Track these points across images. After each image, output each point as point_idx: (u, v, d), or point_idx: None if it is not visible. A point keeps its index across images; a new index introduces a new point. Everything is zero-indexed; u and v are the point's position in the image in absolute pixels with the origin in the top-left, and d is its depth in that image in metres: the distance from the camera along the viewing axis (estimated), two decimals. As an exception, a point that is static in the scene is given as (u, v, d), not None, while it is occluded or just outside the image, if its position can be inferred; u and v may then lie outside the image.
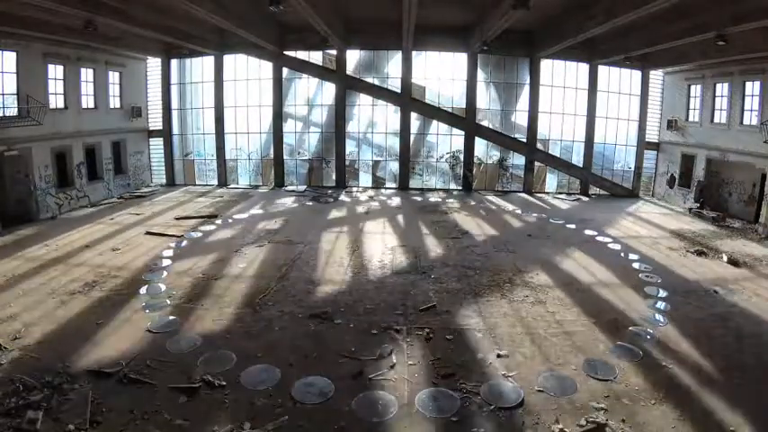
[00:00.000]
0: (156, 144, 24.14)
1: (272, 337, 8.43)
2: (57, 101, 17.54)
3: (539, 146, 23.68)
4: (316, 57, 23.13)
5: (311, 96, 23.91)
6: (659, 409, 6.46)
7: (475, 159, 23.94)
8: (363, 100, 23.59)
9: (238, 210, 18.66)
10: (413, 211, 19.16)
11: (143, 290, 10.38)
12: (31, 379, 6.77)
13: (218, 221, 16.72)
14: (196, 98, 24.07)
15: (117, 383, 6.83)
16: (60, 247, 13.28)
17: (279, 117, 23.36)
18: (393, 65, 23.36)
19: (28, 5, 12.48)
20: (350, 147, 24.15)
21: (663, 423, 6.19)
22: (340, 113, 23.17)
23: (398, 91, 22.96)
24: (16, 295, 9.84)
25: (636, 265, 12.68)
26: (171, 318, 9.03)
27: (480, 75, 23.26)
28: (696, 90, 20.89)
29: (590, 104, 23.20)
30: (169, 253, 12.99)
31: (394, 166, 24.39)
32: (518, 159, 24.12)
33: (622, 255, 13.79)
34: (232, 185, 24.17)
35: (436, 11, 18.13)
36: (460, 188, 24.01)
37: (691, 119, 21.33)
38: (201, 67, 23.49)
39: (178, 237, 14.59)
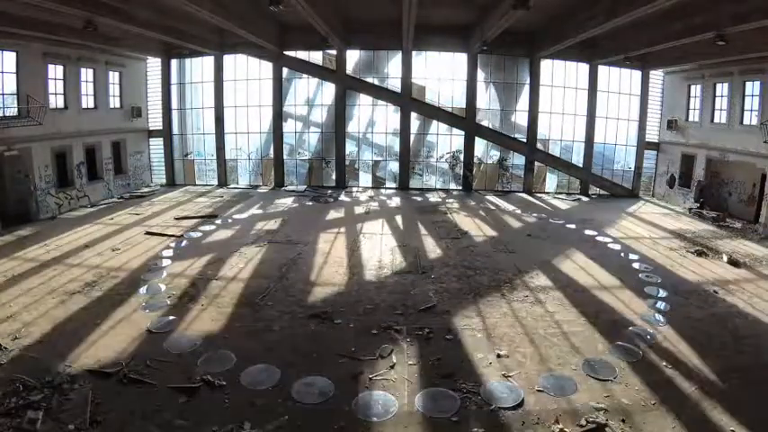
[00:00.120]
0: (156, 144, 24.14)
1: (272, 337, 8.43)
2: (57, 101, 17.55)
3: (539, 146, 23.69)
4: (316, 57, 23.14)
5: (311, 96, 23.92)
6: (659, 410, 6.46)
7: (475, 159, 23.94)
8: (363, 100, 23.59)
9: (238, 210, 18.66)
10: (413, 211, 19.16)
11: (143, 290, 10.39)
12: (31, 379, 6.77)
13: (218, 221, 16.72)
14: (196, 98, 24.07)
15: (117, 383, 6.83)
16: (60, 247, 13.28)
17: (279, 117, 23.36)
18: (393, 65, 23.37)
19: (28, 5, 12.49)
20: (350, 147, 24.16)
21: (663, 423, 6.19)
22: (340, 113, 23.17)
23: (398, 91, 22.96)
24: (16, 295, 9.84)
25: (636, 265, 12.69)
26: (171, 318, 9.02)
27: (480, 75, 23.27)
28: (696, 90, 20.89)
29: (590, 104, 23.20)
30: (169, 253, 13.00)
31: (394, 166, 24.39)
32: (518, 159, 24.12)
33: (622, 255, 13.80)
34: (232, 185, 24.17)
35: (436, 11, 18.15)
36: (460, 188, 24.01)
37: (691, 119, 21.33)
38: (201, 67, 23.49)
39: (178, 237, 14.59)
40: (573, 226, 17.03)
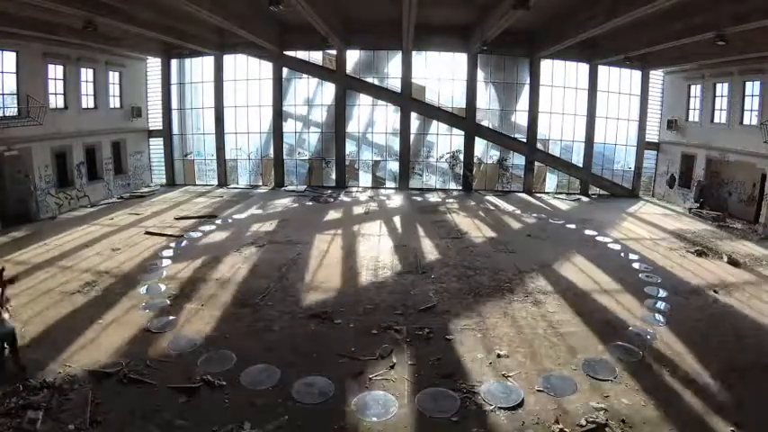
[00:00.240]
0: (156, 144, 24.14)
1: (272, 337, 8.44)
2: (57, 101, 17.55)
3: (539, 146, 23.68)
4: (316, 57, 23.14)
5: (311, 96, 23.91)
6: (659, 409, 6.45)
7: (475, 159, 23.94)
8: (363, 100, 23.59)
9: (238, 210, 18.66)
10: (413, 211, 19.16)
11: (142, 290, 10.39)
12: (31, 379, 6.77)
13: (218, 221, 16.72)
14: (196, 98, 24.07)
15: (117, 383, 6.83)
16: (60, 247, 13.28)
17: (279, 117, 23.36)
18: (393, 65, 23.36)
19: (28, 5, 12.48)
20: (350, 147, 24.15)
21: (662, 423, 6.19)
22: (340, 113, 23.17)
23: (398, 91, 22.96)
24: (16, 295, 9.81)
25: (636, 266, 12.69)
26: (170, 318, 9.02)
27: (480, 75, 23.27)
28: (696, 90, 20.90)
29: (590, 104, 23.20)
30: (169, 253, 13.00)
31: (394, 166, 24.39)
32: (518, 159, 24.12)
33: (622, 255, 13.80)
34: (232, 185, 24.17)
35: (436, 11, 18.16)
36: (460, 188, 24.01)
37: (691, 119, 21.34)
38: (201, 67, 23.49)
39: (178, 237, 14.59)
40: (573, 226, 17.03)
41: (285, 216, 17.76)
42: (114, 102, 21.05)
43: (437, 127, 23.90)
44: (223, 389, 6.78)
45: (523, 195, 23.17)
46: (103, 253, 12.83)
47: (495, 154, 24.42)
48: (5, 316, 7.14)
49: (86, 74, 19.06)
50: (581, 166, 23.75)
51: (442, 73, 23.41)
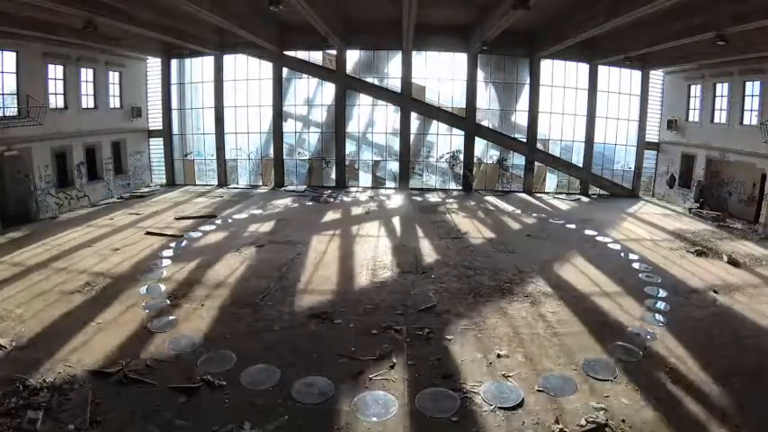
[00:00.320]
0: (156, 144, 24.14)
1: (272, 337, 8.44)
2: (57, 101, 17.55)
3: (539, 146, 23.69)
4: (316, 57, 23.14)
5: (311, 96, 23.91)
6: (659, 409, 6.45)
7: (475, 159, 23.95)
8: (363, 100, 23.59)
9: (238, 210, 18.66)
10: (413, 211, 19.16)
11: (142, 290, 10.38)
12: (31, 379, 6.77)
13: (218, 221, 16.72)
14: (196, 98, 24.07)
15: (117, 383, 6.83)
16: (60, 247, 13.28)
17: (279, 117, 23.36)
18: (393, 65, 23.37)
19: (28, 5, 12.48)
20: (350, 147, 24.15)
21: (663, 423, 6.19)
22: (340, 113, 23.17)
23: (398, 91, 22.96)
24: (16, 295, 9.83)
25: (636, 265, 12.69)
26: (170, 317, 9.03)
27: (480, 75, 23.27)
28: (696, 90, 20.90)
29: (590, 104, 23.20)
30: (169, 253, 13.00)
31: (394, 166, 24.39)
32: (518, 159, 24.12)
33: (622, 255, 13.80)
34: (232, 185, 24.17)
35: (436, 11, 18.15)
36: (460, 188, 24.02)
37: (691, 119, 21.34)
38: (201, 67, 23.49)
39: (178, 237, 14.59)
40: (573, 226, 17.03)
41: (285, 216, 17.76)
42: (114, 102, 21.05)
43: (437, 127, 23.90)
44: (223, 389, 6.77)
45: (523, 195, 23.17)
46: (103, 253, 12.83)
47: (494, 154, 24.42)
48: None
49: (86, 74, 19.07)
50: (581, 166, 23.75)
51: (442, 73, 23.41)
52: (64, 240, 13.96)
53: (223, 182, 24.19)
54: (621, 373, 7.35)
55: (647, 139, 23.63)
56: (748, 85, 17.79)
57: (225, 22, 15.30)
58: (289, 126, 24.28)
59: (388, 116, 23.75)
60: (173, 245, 13.74)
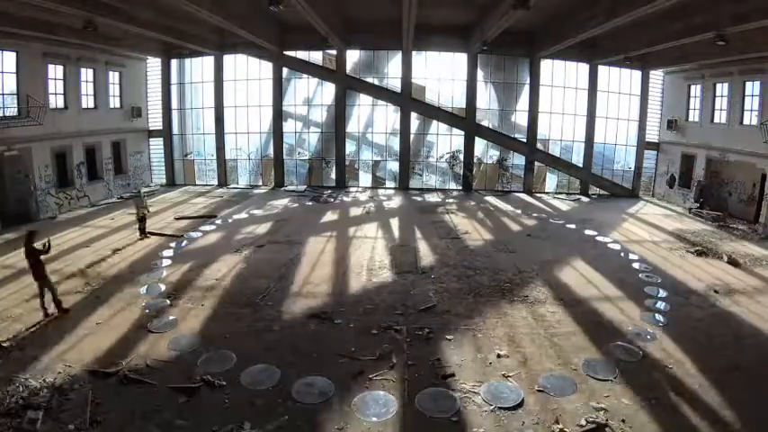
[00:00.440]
0: (156, 144, 24.15)
1: (271, 337, 8.44)
2: (57, 101, 17.57)
3: (539, 146, 23.70)
4: (316, 57, 23.15)
5: (311, 96, 23.92)
6: (660, 409, 6.45)
7: (474, 159, 23.95)
8: (363, 100, 23.60)
9: (238, 210, 18.66)
10: (412, 211, 19.16)
11: (142, 290, 10.38)
12: (31, 379, 6.77)
13: (218, 221, 16.72)
14: (196, 98, 24.08)
15: (117, 383, 6.83)
16: (59, 247, 13.25)
17: (279, 117, 23.37)
18: (393, 65, 23.38)
19: (28, 5, 12.49)
20: (350, 147, 24.16)
21: (663, 423, 6.19)
22: (340, 113, 23.18)
23: (398, 91, 22.98)
24: (16, 295, 9.84)
25: (636, 266, 12.68)
26: (170, 317, 9.03)
27: (480, 75, 23.28)
28: (696, 90, 20.90)
29: (590, 104, 23.21)
30: (169, 253, 13.00)
31: (394, 166, 24.39)
32: (518, 159, 24.13)
33: (622, 255, 13.80)
34: (232, 185, 24.17)
35: (436, 11, 18.16)
36: (460, 188, 24.02)
37: (691, 119, 21.34)
38: (201, 67, 23.51)
39: (178, 237, 14.59)
40: (573, 226, 17.03)
41: (285, 216, 17.76)
42: (114, 102, 21.06)
43: (437, 127, 23.91)
44: (223, 389, 6.77)
45: (523, 195, 23.18)
46: (104, 253, 12.84)
47: (494, 154, 24.42)
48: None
49: (86, 74, 19.08)
50: (581, 166, 23.76)
51: (442, 73, 23.43)
52: (64, 241, 13.96)
53: (223, 182, 24.19)
54: (621, 373, 7.35)
55: (647, 139, 23.64)
56: (748, 85, 17.79)
57: (225, 22, 15.31)
58: (289, 126, 24.29)
59: (387, 116, 23.77)
60: (172, 245, 13.74)
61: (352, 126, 23.85)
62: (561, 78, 23.29)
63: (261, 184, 24.49)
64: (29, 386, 6.60)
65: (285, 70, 23.33)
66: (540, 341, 8.36)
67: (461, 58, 22.80)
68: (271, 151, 24.11)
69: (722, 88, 19.19)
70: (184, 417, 6.16)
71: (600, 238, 15.46)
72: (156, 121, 23.86)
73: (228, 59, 23.08)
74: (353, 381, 7.05)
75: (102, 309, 9.29)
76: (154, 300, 9.84)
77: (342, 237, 15.16)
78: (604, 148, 24.11)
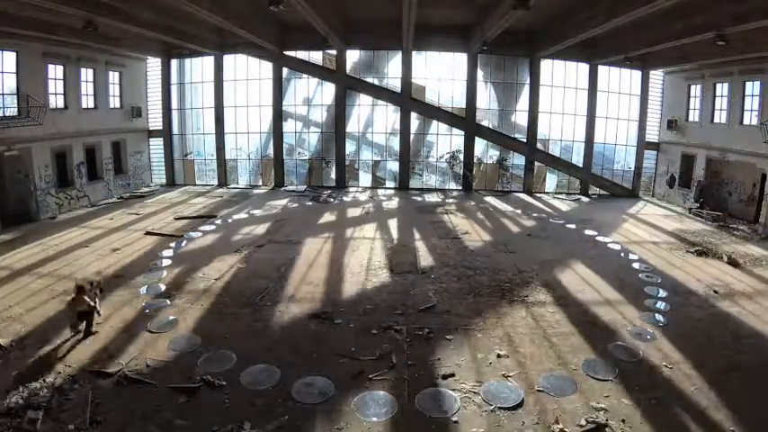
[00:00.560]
0: (156, 144, 24.15)
1: (272, 337, 8.43)
2: (57, 101, 17.56)
3: (539, 146, 23.70)
4: (316, 57, 23.15)
5: (311, 96, 23.92)
6: (659, 409, 6.46)
7: (474, 159, 23.95)
8: (363, 100, 23.60)
9: (237, 210, 18.66)
10: (412, 211, 19.16)
11: (142, 290, 10.38)
12: (31, 379, 6.77)
13: (218, 221, 16.72)
14: (196, 98, 24.08)
15: (117, 383, 6.83)
16: (59, 247, 13.28)
17: (279, 117, 23.37)
18: (393, 65, 23.38)
19: (28, 5, 12.48)
20: (350, 147, 24.16)
21: (663, 423, 6.19)
22: (340, 113, 23.18)
23: (398, 91, 22.98)
24: (15, 295, 9.84)
25: (636, 266, 12.68)
26: (171, 317, 9.03)
27: (480, 75, 23.28)
28: (696, 90, 20.90)
29: (590, 104, 23.21)
30: (169, 253, 12.99)
31: (394, 166, 24.39)
32: (518, 159, 24.13)
33: (622, 255, 13.80)
34: (232, 185, 24.17)
35: (436, 11, 18.16)
36: (460, 188, 24.02)
37: (691, 119, 21.34)
38: (201, 67, 23.50)
39: (178, 237, 14.58)
40: (573, 226, 17.03)
41: (285, 216, 17.76)
42: (114, 102, 21.06)
43: (437, 127, 23.91)
44: (223, 389, 6.77)
45: (523, 195, 23.17)
46: (104, 253, 12.84)
47: (494, 154, 24.42)
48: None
49: (86, 74, 19.07)
50: (581, 166, 23.76)
51: (442, 73, 23.43)
52: (63, 241, 13.96)
53: (223, 182, 24.19)
54: (621, 373, 7.34)
55: (647, 139, 23.63)
56: (748, 85, 17.79)
57: (225, 22, 15.30)
58: (289, 126, 24.29)
59: (387, 116, 23.76)
60: (172, 245, 13.74)
61: (352, 126, 23.85)
62: (561, 78, 23.29)
63: (261, 184, 24.49)
64: (29, 386, 6.60)
65: (285, 70, 23.33)
66: (539, 341, 8.36)
67: (461, 58, 22.80)
68: (271, 151, 24.11)
69: (722, 88, 19.19)
70: (184, 417, 6.16)
71: (600, 239, 15.45)
72: (156, 121, 23.85)
73: (228, 59, 23.08)
74: (353, 381, 7.05)
75: (103, 309, 9.25)
76: (154, 300, 9.84)
77: (341, 237, 15.16)
78: (604, 148, 24.11)
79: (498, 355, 7.81)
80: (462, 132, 23.51)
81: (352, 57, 23.34)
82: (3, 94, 15.43)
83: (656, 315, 9.60)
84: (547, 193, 24.15)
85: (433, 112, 23.55)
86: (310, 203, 20.25)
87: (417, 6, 14.67)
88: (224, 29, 18.47)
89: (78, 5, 12.89)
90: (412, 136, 23.71)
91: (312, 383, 6.94)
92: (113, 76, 20.82)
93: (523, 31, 20.80)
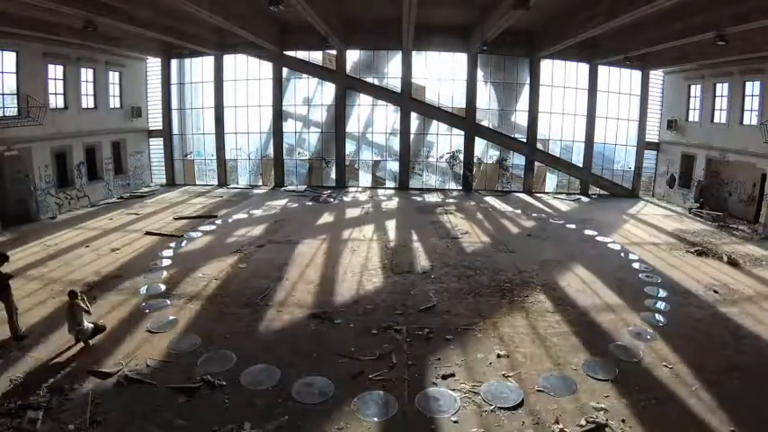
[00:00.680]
0: (156, 144, 24.15)
1: (272, 337, 8.43)
2: (57, 101, 17.56)
3: (539, 146, 23.69)
4: (316, 57, 23.15)
5: (311, 96, 23.91)
6: (659, 409, 6.46)
7: (474, 159, 23.95)
8: (363, 100, 23.60)
9: (237, 210, 18.66)
10: (412, 211, 19.16)
11: (143, 290, 10.39)
12: (30, 379, 6.77)
13: (218, 221, 16.72)
14: (196, 98, 24.08)
15: (117, 383, 6.83)
16: (59, 247, 13.27)
17: (279, 117, 23.37)
18: (393, 65, 23.38)
19: (28, 5, 12.48)
20: (350, 146, 24.16)
21: (663, 423, 6.19)
22: (340, 113, 23.18)
23: (398, 91, 22.97)
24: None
25: (636, 266, 12.69)
26: (171, 317, 9.03)
27: (480, 75, 23.28)
28: (696, 90, 20.90)
29: (590, 104, 23.21)
30: (168, 253, 12.99)
31: (394, 166, 24.39)
32: (518, 159, 24.13)
33: (622, 255, 13.80)
34: (232, 185, 24.17)
35: (436, 11, 18.16)
36: (460, 188, 24.02)
37: (691, 119, 21.34)
38: (201, 67, 23.50)
39: (177, 237, 14.58)
40: (573, 226, 17.03)
41: (284, 216, 17.76)
42: (114, 102, 21.05)
43: (437, 127, 23.91)
44: (223, 389, 6.78)
45: (523, 195, 23.17)
46: (103, 253, 12.83)
47: (494, 154, 24.42)
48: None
49: (86, 74, 19.07)
50: (581, 166, 23.75)
51: (442, 73, 23.42)
52: (63, 241, 13.96)
53: (223, 182, 24.19)
54: (621, 373, 7.35)
55: (647, 139, 23.63)
56: (748, 85, 17.79)
57: (225, 22, 15.30)
58: (289, 126, 24.28)
59: (387, 116, 23.76)
60: (172, 245, 13.74)
61: (352, 126, 23.85)
62: (561, 78, 23.29)
63: (261, 184, 24.48)
64: (29, 386, 6.59)
65: (285, 70, 23.33)
66: (539, 341, 8.36)
67: (461, 58, 22.80)
68: (271, 151, 24.11)
69: (722, 88, 19.19)
70: (184, 417, 6.16)
71: (600, 239, 15.45)
72: (156, 121, 23.85)
73: (228, 59, 23.08)
74: (353, 381, 7.05)
75: (102, 309, 9.27)
76: (154, 300, 9.84)
77: (341, 237, 15.15)
78: (604, 148, 24.10)
79: (498, 355, 7.81)
80: (462, 132, 23.51)
81: (352, 57, 23.33)
82: (3, 94, 15.42)
83: (656, 315, 9.61)
84: (547, 193, 24.14)
85: (433, 112, 23.55)
86: (310, 203, 20.24)
87: (417, 6, 14.67)
88: (224, 29, 18.47)
89: (78, 5, 12.89)
90: (412, 136, 23.71)
91: (312, 383, 6.94)
92: (113, 76, 20.82)
93: (523, 31, 20.80)
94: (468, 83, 22.97)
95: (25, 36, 14.96)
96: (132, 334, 8.33)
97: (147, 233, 14.82)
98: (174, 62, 23.46)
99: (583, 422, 6.15)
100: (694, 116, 21.07)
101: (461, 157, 23.91)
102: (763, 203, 16.86)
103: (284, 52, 22.53)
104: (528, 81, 23.16)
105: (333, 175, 24.26)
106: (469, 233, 15.66)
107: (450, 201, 21.40)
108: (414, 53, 22.66)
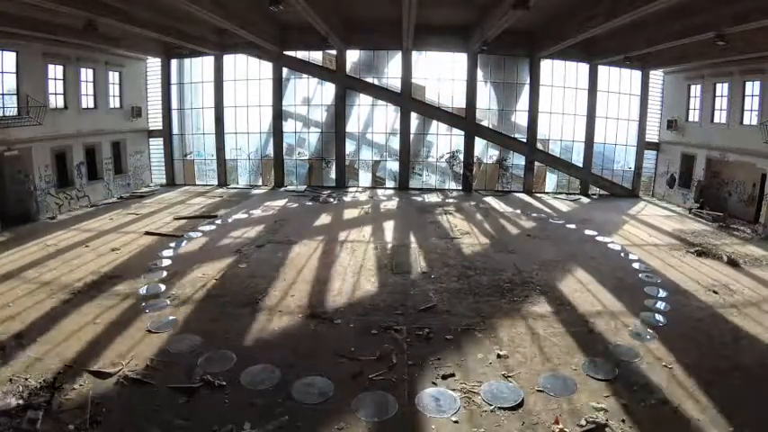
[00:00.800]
0: (156, 144, 24.15)
1: (272, 337, 8.43)
2: (57, 101, 17.55)
3: (539, 146, 23.70)
4: (316, 57, 23.15)
5: (311, 96, 23.91)
6: (659, 409, 6.46)
7: (474, 159, 23.95)
8: (363, 100, 23.60)
9: (237, 210, 18.66)
10: (412, 211, 19.16)
11: (142, 290, 10.38)
12: (31, 379, 6.76)
13: (218, 221, 16.72)
14: (196, 98, 24.07)
15: (117, 383, 6.83)
16: (59, 247, 13.27)
17: (279, 117, 23.37)
18: (393, 65, 23.37)
19: (28, 5, 12.48)
20: (349, 146, 24.16)
21: (663, 423, 6.19)
22: (340, 113, 23.18)
23: (398, 91, 22.97)
24: (16, 295, 9.84)
25: (636, 266, 12.69)
26: (171, 317, 9.03)
27: (480, 75, 23.27)
28: (696, 90, 20.90)
29: (590, 104, 23.21)
30: (168, 253, 12.99)
31: (393, 166, 24.39)
32: (518, 159, 24.13)
33: (622, 255, 13.80)
34: (232, 185, 24.18)
35: (436, 11, 18.16)
36: (460, 188, 24.02)
37: (691, 119, 21.34)
38: (201, 67, 23.50)
39: (177, 237, 14.58)
40: (573, 226, 17.03)
41: (284, 216, 17.76)
42: (114, 102, 21.05)
43: (437, 127, 23.91)
44: (223, 389, 6.77)
45: (523, 195, 23.17)
46: (103, 253, 12.83)
47: (494, 154, 24.42)
48: None
49: (86, 74, 19.07)
50: (581, 166, 23.75)
51: (441, 73, 23.41)
52: (63, 240, 13.96)
53: (223, 182, 24.19)
54: (621, 373, 7.35)
55: (647, 139, 23.63)
56: (748, 85, 17.79)
57: (225, 22, 15.30)
58: (288, 126, 24.28)
59: (387, 116, 23.76)
60: (172, 245, 13.74)
61: (352, 126, 23.85)
62: (561, 78, 23.28)
63: (261, 183, 24.49)
64: (29, 386, 6.60)
65: (285, 70, 23.33)
66: (539, 341, 8.36)
67: (461, 58, 22.80)
68: (271, 151, 24.11)
69: (722, 88, 19.19)
70: (184, 417, 6.16)
71: (600, 239, 15.45)
72: (155, 121, 23.84)
73: (228, 59, 23.07)
74: (353, 381, 7.05)
75: (102, 309, 9.27)
76: (153, 300, 9.84)
77: (341, 236, 15.15)
78: (604, 148, 24.10)
79: (498, 355, 7.81)
80: (462, 132, 23.50)
81: (352, 57, 23.33)
82: (3, 94, 15.42)
83: (656, 315, 9.60)
84: (547, 193, 24.14)
85: (432, 112, 23.55)
86: (310, 203, 20.25)
87: (417, 6, 14.67)
88: (224, 29, 18.48)
89: (78, 5, 12.88)
90: (412, 136, 23.71)
91: (312, 383, 6.94)
92: (113, 76, 20.82)
93: (523, 31, 20.80)
94: (467, 83, 22.97)
95: (25, 36, 14.95)
96: (132, 334, 8.32)
97: (147, 233, 14.82)
98: (173, 62, 23.46)
99: (583, 422, 6.15)
100: (694, 116, 21.07)
101: (461, 157, 23.91)
102: (764, 203, 16.86)
103: (284, 52, 22.53)
104: (528, 81, 23.16)
105: (333, 175, 24.26)
106: (469, 233, 15.66)
107: (450, 201, 21.40)
108: (414, 53, 22.66)
